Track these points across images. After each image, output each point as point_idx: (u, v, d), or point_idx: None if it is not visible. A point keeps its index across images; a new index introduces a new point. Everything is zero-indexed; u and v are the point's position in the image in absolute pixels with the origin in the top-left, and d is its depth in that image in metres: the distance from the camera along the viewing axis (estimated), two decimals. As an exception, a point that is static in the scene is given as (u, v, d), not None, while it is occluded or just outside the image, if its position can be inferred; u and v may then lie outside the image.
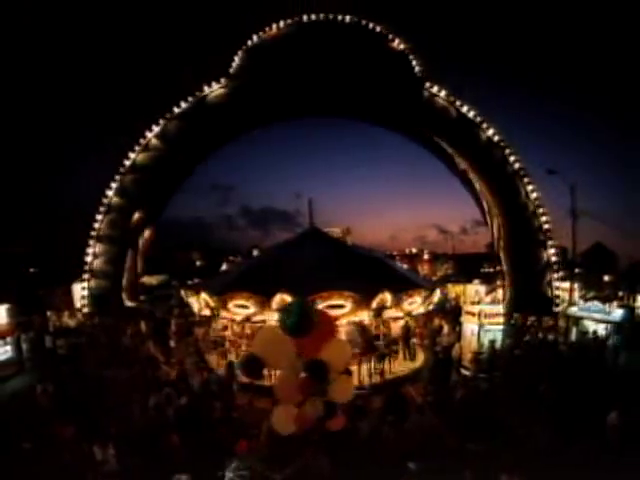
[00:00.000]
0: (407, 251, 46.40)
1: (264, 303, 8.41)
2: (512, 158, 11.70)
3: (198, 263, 46.35)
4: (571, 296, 23.04)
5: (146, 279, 26.02)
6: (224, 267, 42.18)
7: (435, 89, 11.68)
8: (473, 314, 12.64)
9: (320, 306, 7.96)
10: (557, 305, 12.48)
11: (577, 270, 28.35)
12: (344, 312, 8.56)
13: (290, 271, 8.92)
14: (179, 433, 6.33)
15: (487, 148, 11.47)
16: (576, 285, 23.78)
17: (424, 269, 42.92)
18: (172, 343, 12.61)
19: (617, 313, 17.73)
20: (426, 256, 46.33)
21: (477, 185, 11.80)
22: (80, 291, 19.01)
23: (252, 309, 8.65)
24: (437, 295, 11.12)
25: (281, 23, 12.21)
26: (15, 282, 19.08)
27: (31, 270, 30.59)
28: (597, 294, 23.16)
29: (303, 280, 8.40)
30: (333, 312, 8.35)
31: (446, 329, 14.15)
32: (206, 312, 9.72)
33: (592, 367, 11.34)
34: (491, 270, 30.51)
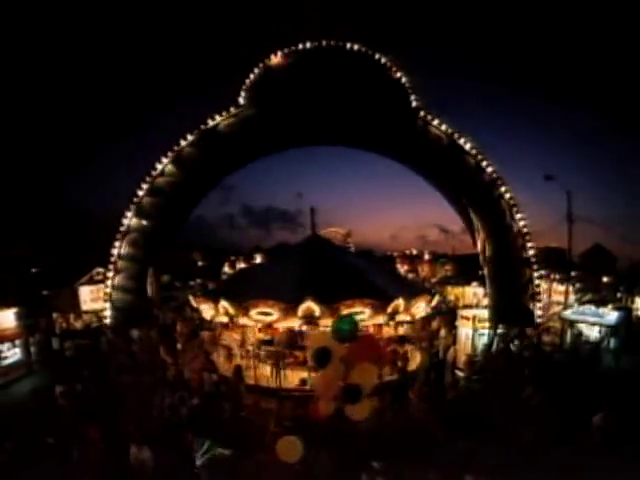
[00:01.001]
0: (407, 252, 47.76)
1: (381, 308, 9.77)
2: (499, 182, 13.04)
3: (200, 263, 47.86)
4: (566, 299, 24.46)
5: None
6: (226, 269, 43.62)
7: (429, 117, 12.95)
8: (468, 318, 14.07)
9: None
10: (540, 317, 13.84)
11: (573, 273, 29.72)
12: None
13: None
14: (193, 432, 7.24)
15: (475, 173, 12.79)
16: (572, 288, 25.11)
17: (424, 270, 44.32)
18: (179, 346, 13.82)
19: (612, 316, 19.02)
20: (426, 257, 47.68)
21: (464, 205, 13.16)
22: (87, 294, 20.35)
23: (367, 314, 9.62)
24: (436, 299, 12.18)
25: (285, 50, 13.35)
26: (19, 284, 20.09)
27: (33, 270, 31.83)
28: (593, 297, 24.44)
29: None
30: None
31: (443, 332, 15.54)
32: (291, 324, 9.94)
33: (583, 369, 12.48)
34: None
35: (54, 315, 19.58)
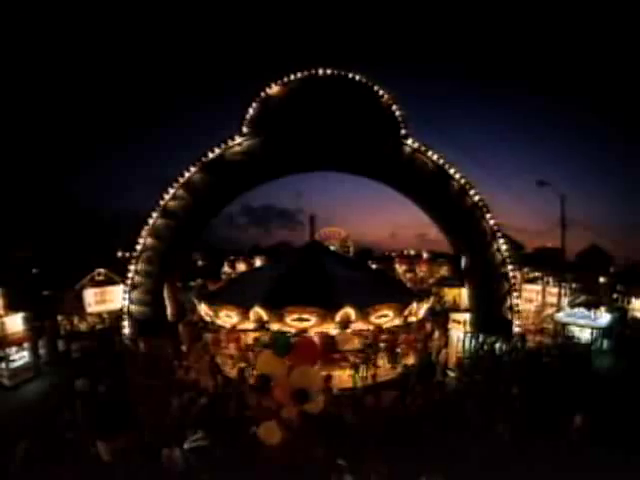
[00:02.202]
0: (405, 252, 49.40)
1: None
2: (480, 203, 14.71)
3: (200, 263, 49.52)
4: (559, 301, 26.06)
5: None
6: (225, 268, 45.31)
7: (416, 145, 14.53)
8: (459, 322, 15.80)
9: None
10: (517, 326, 15.55)
11: (567, 276, 31.29)
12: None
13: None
14: (203, 429, 8.31)
15: (459, 197, 14.46)
16: (564, 290, 26.67)
17: (422, 270, 45.97)
18: (184, 348, 14.93)
19: (604, 318, 20.49)
20: (425, 255, 49.33)
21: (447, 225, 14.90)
22: (92, 297, 21.78)
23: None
24: (419, 307, 13.84)
25: (284, 79, 14.74)
26: (23, 287, 20.59)
27: (33, 271, 33.17)
28: (586, 299, 25.92)
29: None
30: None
31: (437, 334, 17.28)
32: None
33: (570, 371, 13.64)
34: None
35: (58, 317, 20.79)
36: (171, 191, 14.03)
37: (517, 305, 15.32)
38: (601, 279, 40.01)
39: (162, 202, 14.04)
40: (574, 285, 36.71)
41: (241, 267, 47.20)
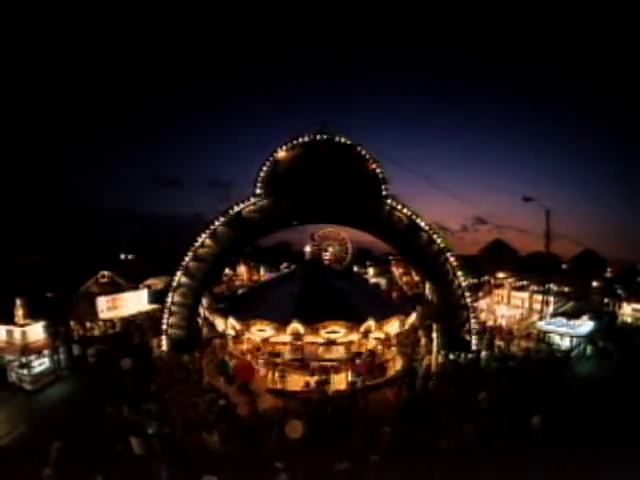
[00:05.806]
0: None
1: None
2: (444, 249, 20.14)
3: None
4: (542, 309, 31.50)
5: (151, 281, 33.56)
6: (226, 270, 50.77)
7: (394, 203, 19.85)
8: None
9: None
10: (476, 345, 21.07)
11: (553, 284, 36.36)
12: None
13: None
14: (224, 425, 11.83)
15: (427, 245, 19.88)
16: (549, 299, 31.89)
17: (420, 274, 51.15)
18: (196, 353, 19.65)
19: (585, 327, 25.08)
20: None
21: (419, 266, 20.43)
22: (104, 304, 26.27)
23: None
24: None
25: (289, 144, 19.81)
26: (34, 294, 22.34)
27: (37, 273, 37.21)
28: (570, 307, 30.70)
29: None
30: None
31: (424, 341, 22.78)
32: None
33: (543, 376, 16.92)
34: (476, 281, 38.79)
35: (72, 323, 24.60)
36: (199, 239, 19.50)
37: (475, 329, 20.91)
38: (594, 283, 45.30)
39: (193, 248, 19.51)
40: (566, 289, 41.85)
41: (241, 269, 52.85)
